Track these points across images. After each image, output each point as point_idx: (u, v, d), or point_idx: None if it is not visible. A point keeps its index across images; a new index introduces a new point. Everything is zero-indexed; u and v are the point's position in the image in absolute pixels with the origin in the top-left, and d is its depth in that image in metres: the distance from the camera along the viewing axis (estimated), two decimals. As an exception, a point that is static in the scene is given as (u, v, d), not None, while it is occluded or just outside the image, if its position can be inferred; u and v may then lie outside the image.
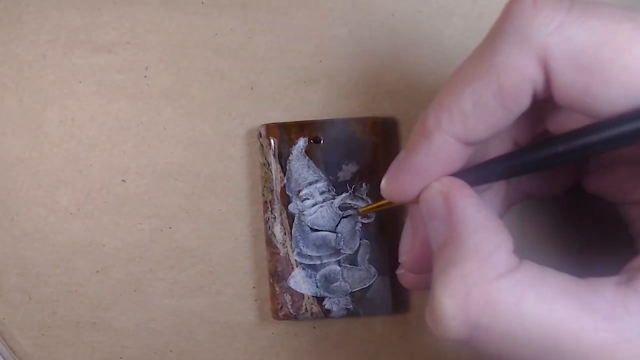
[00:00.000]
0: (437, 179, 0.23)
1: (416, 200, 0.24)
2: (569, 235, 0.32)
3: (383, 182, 0.25)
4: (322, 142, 0.32)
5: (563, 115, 0.24)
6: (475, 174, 0.24)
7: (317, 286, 0.32)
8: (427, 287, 0.23)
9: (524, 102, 0.21)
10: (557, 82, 0.20)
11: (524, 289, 0.20)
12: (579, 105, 0.20)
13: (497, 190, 0.27)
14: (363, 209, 0.31)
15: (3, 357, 0.34)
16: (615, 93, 0.19)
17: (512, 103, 0.21)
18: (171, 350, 0.34)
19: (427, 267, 0.25)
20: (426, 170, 0.23)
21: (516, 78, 0.20)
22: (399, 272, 0.29)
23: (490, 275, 0.20)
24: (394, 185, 0.25)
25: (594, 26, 0.19)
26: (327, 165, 0.32)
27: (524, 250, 0.22)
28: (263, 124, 0.32)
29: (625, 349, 0.19)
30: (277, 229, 0.32)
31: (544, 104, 0.22)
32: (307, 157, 0.32)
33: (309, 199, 0.32)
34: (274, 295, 0.32)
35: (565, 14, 0.20)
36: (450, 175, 0.24)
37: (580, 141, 0.21)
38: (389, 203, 0.27)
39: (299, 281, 0.32)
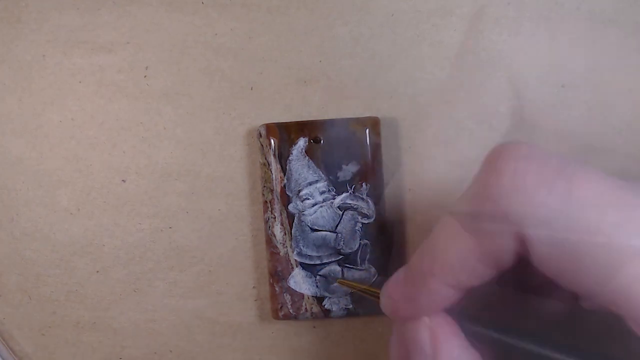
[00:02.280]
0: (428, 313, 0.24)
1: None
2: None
3: (383, 300, 0.26)
4: (322, 142, 0.32)
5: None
6: (463, 316, 0.24)
7: (317, 286, 0.32)
8: None
9: (508, 263, 0.22)
10: (534, 257, 0.21)
11: None
12: (555, 279, 0.21)
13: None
14: (341, 283, 0.32)
15: (3, 358, 0.34)
16: (587, 285, 0.20)
17: (495, 264, 0.22)
18: (171, 350, 0.34)
19: None
20: (422, 307, 0.24)
21: (497, 250, 0.21)
22: None
23: None
24: (392, 309, 0.25)
25: (574, 215, 0.19)
26: (327, 165, 0.32)
27: None
28: (263, 124, 0.32)
29: None
30: (277, 229, 0.32)
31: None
32: (307, 157, 0.32)
33: (309, 199, 0.32)
34: (273, 295, 0.32)
35: (546, 194, 0.20)
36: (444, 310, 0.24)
37: None
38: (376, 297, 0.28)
39: (299, 281, 0.32)
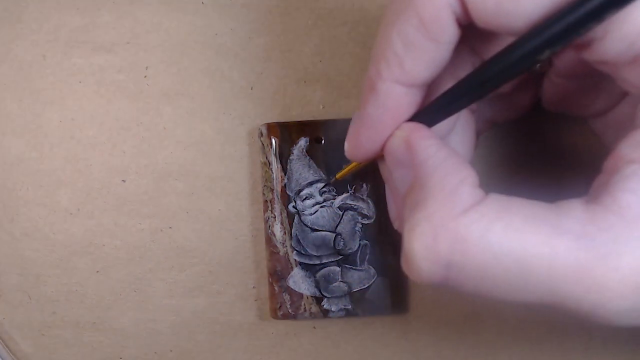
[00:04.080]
0: (397, 127, 0.23)
1: (380, 155, 0.24)
2: (537, 161, 0.32)
3: (345, 144, 0.25)
4: (323, 142, 0.32)
5: (494, 45, 0.24)
6: (430, 113, 0.23)
7: (316, 286, 0.32)
8: None
9: (450, 31, 0.21)
10: (470, 4, 0.20)
11: (490, 220, 0.20)
12: (497, 25, 0.20)
13: (463, 125, 0.27)
14: (339, 174, 0.31)
15: (2, 358, 0.34)
16: (525, 6, 0.19)
17: (438, 34, 0.21)
18: (171, 350, 0.34)
19: None
20: (380, 122, 0.23)
21: (432, 8, 0.20)
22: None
23: (455, 212, 0.20)
24: (354, 143, 0.25)
25: None
26: (327, 165, 0.32)
27: (492, 182, 0.22)
28: (264, 123, 0.32)
29: (601, 265, 0.19)
30: (277, 229, 0.32)
31: (473, 37, 0.22)
32: (308, 157, 0.32)
33: (309, 198, 0.32)
34: (273, 295, 0.32)
35: None
36: (407, 120, 0.23)
37: (514, 54, 0.20)
38: (358, 164, 0.27)
39: (298, 281, 0.32)
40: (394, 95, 0.22)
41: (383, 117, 0.23)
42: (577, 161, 0.31)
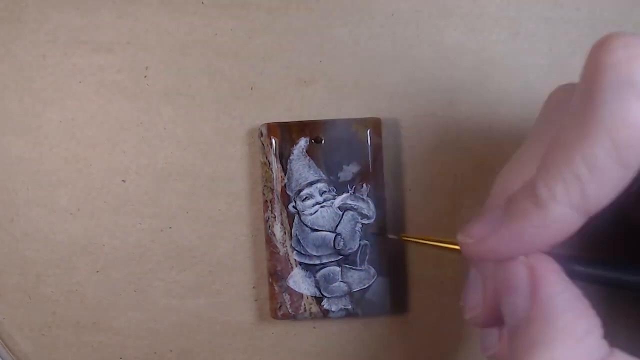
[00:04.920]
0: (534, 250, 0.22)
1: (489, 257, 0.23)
2: None
3: (467, 237, 0.23)
4: (323, 142, 0.32)
5: None
6: (575, 263, 0.22)
7: (316, 286, 0.32)
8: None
9: None
10: None
11: None
12: None
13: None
14: (406, 238, 0.29)
15: (2, 358, 0.34)
16: None
17: (630, 158, 0.19)
18: (171, 350, 0.34)
19: (496, 322, 0.24)
20: (532, 239, 0.21)
21: (630, 130, 0.18)
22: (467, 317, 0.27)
23: None
24: (487, 247, 0.22)
25: None
26: (327, 166, 0.32)
27: (614, 335, 0.21)
28: (264, 123, 0.32)
29: None
30: (277, 229, 0.32)
31: None
32: (308, 157, 0.32)
33: (309, 198, 0.32)
34: (273, 295, 0.32)
35: None
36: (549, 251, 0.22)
37: None
38: (456, 251, 0.25)
39: (298, 281, 0.32)
40: (564, 220, 0.20)
41: (538, 237, 0.21)
42: None
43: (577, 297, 0.20)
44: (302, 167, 0.32)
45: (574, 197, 0.20)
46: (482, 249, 0.23)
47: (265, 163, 0.32)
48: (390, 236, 0.31)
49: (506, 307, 0.22)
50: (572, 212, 0.20)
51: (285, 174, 0.32)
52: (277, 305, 0.32)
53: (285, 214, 0.32)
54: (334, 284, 0.32)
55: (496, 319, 0.24)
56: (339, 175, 0.32)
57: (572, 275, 0.21)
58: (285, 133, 0.32)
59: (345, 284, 0.32)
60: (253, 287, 0.34)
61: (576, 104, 0.20)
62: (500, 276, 0.22)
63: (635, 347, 0.20)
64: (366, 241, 0.32)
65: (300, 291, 0.32)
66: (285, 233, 0.32)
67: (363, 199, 0.32)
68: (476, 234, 0.23)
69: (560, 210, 0.20)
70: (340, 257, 0.32)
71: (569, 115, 0.20)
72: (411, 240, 0.29)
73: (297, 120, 0.32)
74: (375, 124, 0.32)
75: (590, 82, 0.19)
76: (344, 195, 0.32)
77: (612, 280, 0.22)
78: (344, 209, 0.32)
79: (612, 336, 0.20)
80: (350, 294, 0.32)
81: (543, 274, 0.21)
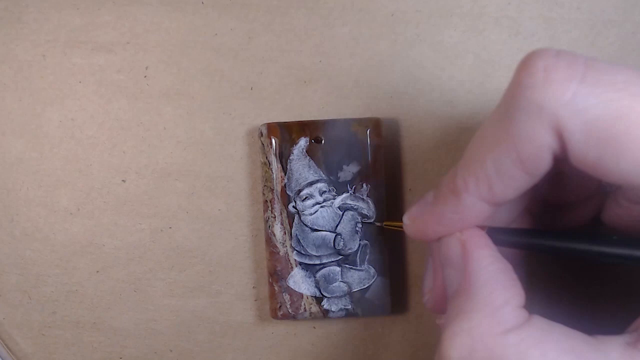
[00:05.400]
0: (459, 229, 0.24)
1: (435, 240, 0.25)
2: (582, 285, 0.31)
3: (406, 218, 0.27)
4: (323, 142, 0.32)
5: (582, 181, 0.25)
6: (498, 234, 0.25)
7: (316, 286, 0.32)
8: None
9: (544, 166, 0.21)
10: (572, 150, 0.20)
11: (529, 346, 0.20)
12: (593, 173, 0.21)
13: (517, 203, 0.27)
14: (387, 223, 0.31)
15: (2, 358, 0.34)
16: (626, 166, 0.20)
17: (532, 169, 0.21)
18: (171, 350, 0.34)
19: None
20: (450, 222, 0.24)
21: (533, 148, 0.21)
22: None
23: (496, 330, 0.21)
24: (418, 227, 0.26)
25: (607, 98, 0.19)
26: (327, 166, 0.32)
27: (535, 301, 0.22)
28: (264, 123, 0.32)
29: None
30: (277, 229, 0.32)
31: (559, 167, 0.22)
32: (308, 157, 0.32)
33: (309, 198, 0.32)
34: (272, 295, 0.32)
35: (577, 84, 0.20)
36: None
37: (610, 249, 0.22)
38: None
39: (298, 281, 0.32)
40: (474, 208, 0.23)
41: (455, 221, 0.24)
42: (624, 293, 0.30)
43: (502, 269, 0.23)
44: (302, 167, 0.32)
45: (482, 191, 0.23)
46: (415, 229, 0.26)
47: (265, 163, 0.32)
48: (377, 223, 0.32)
49: (446, 279, 0.24)
50: (481, 202, 0.23)
51: (285, 174, 0.32)
52: (277, 305, 0.32)
53: (285, 214, 0.32)
54: (334, 284, 0.32)
55: (444, 306, 0.26)
56: (339, 175, 0.32)
57: (501, 243, 0.25)
58: (285, 133, 0.32)
59: (345, 284, 0.32)
60: (253, 287, 0.34)
61: (497, 112, 0.22)
62: (441, 252, 0.25)
63: (554, 313, 0.22)
64: (366, 241, 0.32)
65: (300, 291, 0.32)
66: (285, 233, 0.32)
67: (363, 199, 0.32)
68: (411, 215, 0.26)
69: (471, 200, 0.23)
70: (340, 257, 0.32)
71: (490, 120, 0.22)
72: (389, 227, 0.31)
73: (297, 120, 0.32)
74: (375, 124, 0.32)
75: (509, 97, 0.21)
76: (344, 195, 0.32)
77: (530, 245, 0.25)
78: (344, 209, 0.32)
79: (533, 303, 0.22)
80: (350, 294, 0.32)
81: (473, 247, 0.24)
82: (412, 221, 0.26)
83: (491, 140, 0.22)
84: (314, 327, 0.34)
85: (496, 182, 0.22)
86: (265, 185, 0.32)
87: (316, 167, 0.32)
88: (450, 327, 0.21)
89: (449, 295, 0.24)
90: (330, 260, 0.32)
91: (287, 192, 0.32)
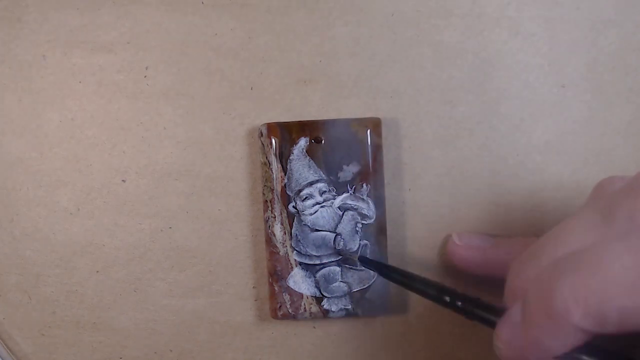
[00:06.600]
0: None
1: None
2: None
3: (498, 343, 0.25)
4: (323, 142, 0.32)
5: None
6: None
7: (316, 286, 0.32)
8: None
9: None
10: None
11: None
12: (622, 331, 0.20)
13: None
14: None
15: (2, 358, 0.34)
16: None
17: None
18: (171, 350, 0.34)
19: None
20: (550, 348, 0.23)
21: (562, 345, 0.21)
22: None
23: None
24: (515, 352, 0.24)
25: None
26: (327, 165, 0.32)
27: None
28: (264, 123, 0.32)
29: None
30: (277, 229, 0.32)
31: None
32: (308, 157, 0.32)
33: (309, 198, 0.32)
34: (272, 295, 0.32)
35: None
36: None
37: None
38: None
39: (298, 281, 0.32)
40: (577, 336, 0.22)
41: (556, 347, 0.22)
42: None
43: None
44: (302, 167, 0.32)
45: (591, 326, 0.21)
46: (512, 354, 0.24)
47: (265, 163, 0.32)
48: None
49: None
50: (583, 333, 0.21)
51: (285, 174, 0.32)
52: (277, 305, 0.32)
53: (285, 214, 0.32)
54: (334, 284, 0.32)
55: None
56: (339, 175, 0.32)
57: None
58: (285, 133, 0.32)
59: (345, 284, 0.32)
60: (253, 287, 0.34)
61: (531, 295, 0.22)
62: None
63: None
64: (366, 241, 0.32)
65: (300, 291, 0.32)
66: (285, 233, 0.32)
67: (363, 199, 0.32)
68: (502, 339, 0.24)
69: (574, 329, 0.21)
70: (340, 257, 0.32)
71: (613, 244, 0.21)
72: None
73: (297, 120, 0.32)
74: (375, 124, 0.32)
75: (542, 303, 0.22)
76: (344, 195, 0.32)
77: None
78: (344, 209, 0.32)
79: None
80: (350, 294, 0.32)
81: None
82: (506, 345, 0.24)
83: (622, 278, 0.20)
84: (314, 327, 0.34)
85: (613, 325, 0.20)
86: (265, 185, 0.32)
87: (316, 167, 0.32)
88: None
89: None
90: (330, 260, 0.32)
91: (287, 192, 0.32)
